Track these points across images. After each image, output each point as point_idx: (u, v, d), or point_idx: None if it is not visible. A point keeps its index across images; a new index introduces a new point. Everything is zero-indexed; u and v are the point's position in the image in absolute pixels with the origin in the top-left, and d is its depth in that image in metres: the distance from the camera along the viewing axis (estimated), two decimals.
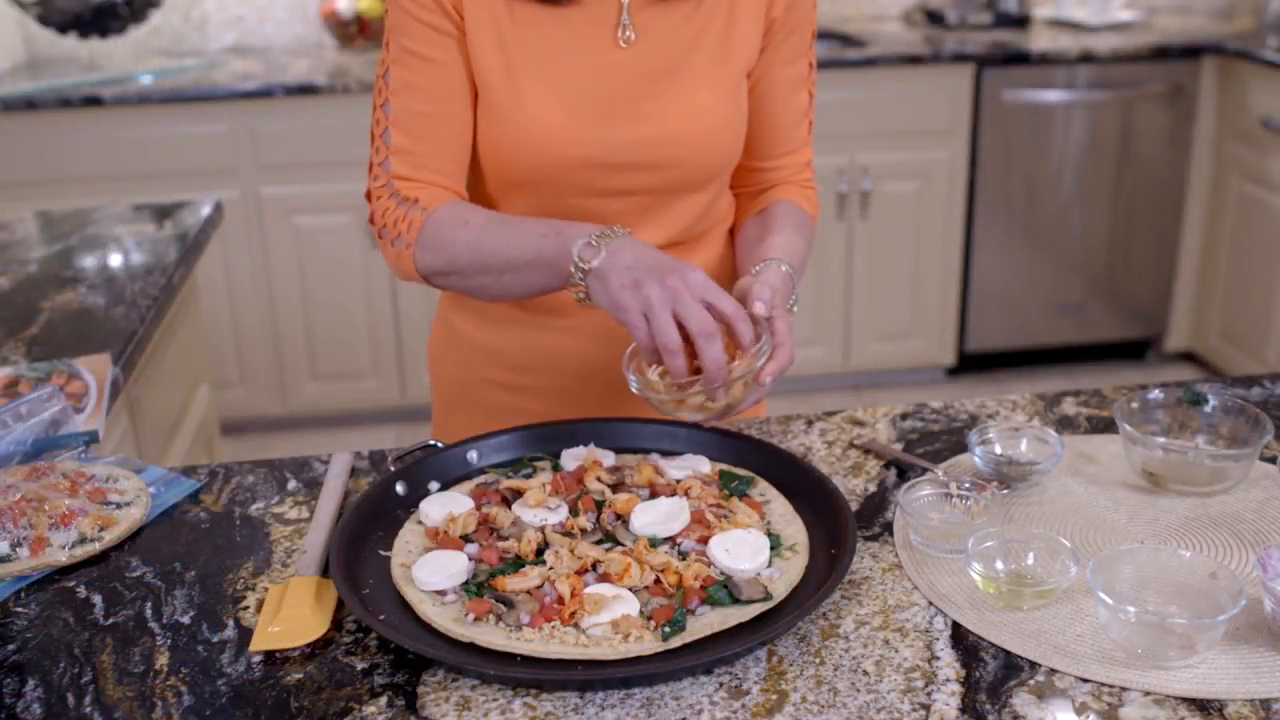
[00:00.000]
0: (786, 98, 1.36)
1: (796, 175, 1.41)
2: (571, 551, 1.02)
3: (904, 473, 1.21)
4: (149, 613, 1.02)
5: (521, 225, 1.20)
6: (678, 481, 1.14)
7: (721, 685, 0.90)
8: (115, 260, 1.93)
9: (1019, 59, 3.49)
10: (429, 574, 0.99)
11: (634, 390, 1.14)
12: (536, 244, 1.17)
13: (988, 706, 0.87)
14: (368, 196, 1.29)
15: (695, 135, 1.28)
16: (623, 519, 1.08)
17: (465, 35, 1.24)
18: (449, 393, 1.47)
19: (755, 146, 1.37)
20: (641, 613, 0.95)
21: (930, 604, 1.00)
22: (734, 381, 1.10)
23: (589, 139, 1.25)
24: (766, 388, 1.12)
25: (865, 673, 0.91)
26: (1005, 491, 1.14)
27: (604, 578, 1.00)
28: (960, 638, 0.95)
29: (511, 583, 0.98)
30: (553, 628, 0.93)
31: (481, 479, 1.18)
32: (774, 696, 0.89)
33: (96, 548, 1.10)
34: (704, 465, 1.18)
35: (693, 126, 1.27)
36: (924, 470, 1.19)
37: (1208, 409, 1.22)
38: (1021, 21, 3.86)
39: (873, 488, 1.19)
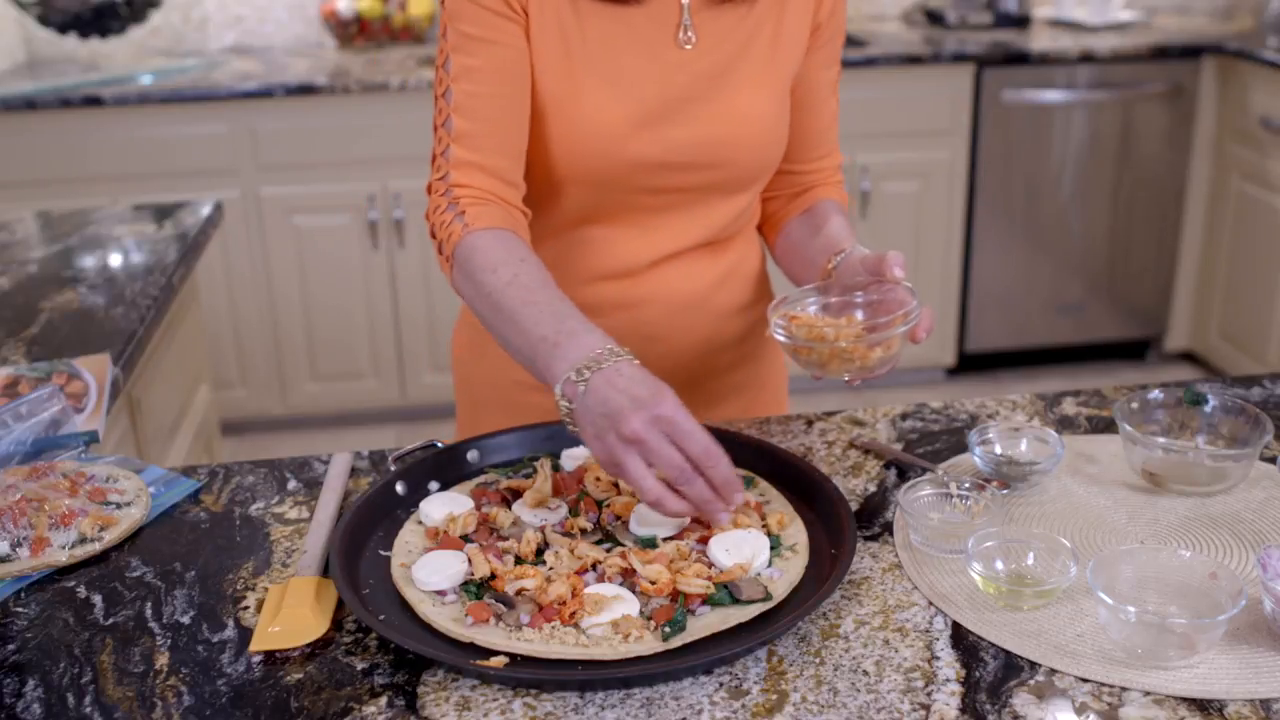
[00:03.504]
0: (823, 101, 1.37)
1: (831, 177, 1.42)
2: (571, 551, 1.02)
3: (904, 473, 1.21)
4: (149, 613, 1.02)
5: (531, 312, 1.12)
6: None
7: (721, 685, 0.90)
8: (115, 260, 1.93)
9: (1019, 59, 3.49)
10: (429, 574, 0.99)
11: (780, 340, 1.13)
12: (533, 348, 1.11)
13: (988, 706, 0.87)
14: (428, 190, 1.28)
15: (747, 137, 1.29)
16: (623, 519, 1.08)
17: (529, 25, 1.23)
18: (478, 395, 1.47)
19: (794, 149, 1.37)
20: (641, 613, 0.95)
21: (930, 604, 1.00)
22: (893, 338, 1.10)
23: (646, 138, 1.25)
24: (920, 343, 1.12)
25: (865, 673, 0.91)
26: (1005, 491, 1.14)
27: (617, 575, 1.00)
28: (960, 638, 0.95)
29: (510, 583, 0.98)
30: (553, 628, 0.94)
31: (481, 479, 1.18)
32: (774, 696, 0.89)
33: (96, 548, 1.10)
34: None
35: (745, 128, 1.28)
36: (924, 470, 1.19)
37: (1208, 409, 1.22)
38: (1021, 21, 3.86)
39: (873, 488, 1.19)
